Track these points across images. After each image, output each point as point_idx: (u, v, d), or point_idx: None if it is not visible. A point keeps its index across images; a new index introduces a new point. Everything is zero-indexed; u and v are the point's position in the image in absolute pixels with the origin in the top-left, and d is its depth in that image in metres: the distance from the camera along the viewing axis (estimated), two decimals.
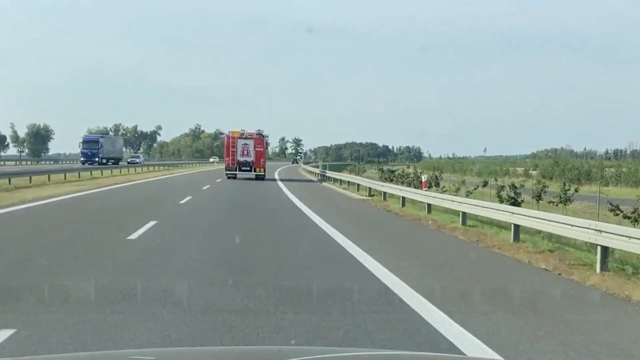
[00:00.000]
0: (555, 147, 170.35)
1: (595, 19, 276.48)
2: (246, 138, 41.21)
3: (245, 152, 40.97)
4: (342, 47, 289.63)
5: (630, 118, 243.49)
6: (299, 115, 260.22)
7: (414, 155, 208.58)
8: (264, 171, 41.59)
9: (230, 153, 40.96)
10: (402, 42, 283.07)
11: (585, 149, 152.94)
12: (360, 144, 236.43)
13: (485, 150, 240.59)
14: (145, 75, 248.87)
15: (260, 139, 41.43)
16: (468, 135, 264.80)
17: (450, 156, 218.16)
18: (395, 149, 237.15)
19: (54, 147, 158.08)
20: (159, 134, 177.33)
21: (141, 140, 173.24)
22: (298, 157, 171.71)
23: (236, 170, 40.90)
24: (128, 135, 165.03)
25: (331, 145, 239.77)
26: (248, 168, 40.86)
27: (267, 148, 44.08)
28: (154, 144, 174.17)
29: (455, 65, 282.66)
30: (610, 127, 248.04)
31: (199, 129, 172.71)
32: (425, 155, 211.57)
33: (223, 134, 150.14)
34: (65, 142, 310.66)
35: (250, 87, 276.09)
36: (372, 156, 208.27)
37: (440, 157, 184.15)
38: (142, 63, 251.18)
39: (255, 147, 41.01)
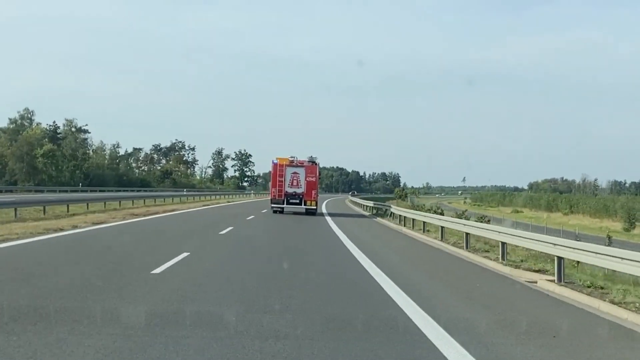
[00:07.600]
0: (555, 177, 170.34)
1: None
2: (296, 166, 35.57)
3: (295, 183, 35.30)
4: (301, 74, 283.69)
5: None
6: (242, 132, 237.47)
7: (392, 183, 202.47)
8: (316, 204, 35.93)
9: (277, 183, 35.19)
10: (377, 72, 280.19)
11: (584, 180, 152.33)
12: (324, 168, 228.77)
13: (464, 179, 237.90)
14: None
15: (312, 167, 35.73)
16: (442, 164, 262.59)
17: (424, 185, 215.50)
18: (367, 176, 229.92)
19: None
20: None
21: None
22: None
23: (284, 203, 35.12)
24: None
25: None
26: (297, 201, 35.20)
27: (320, 178, 38.25)
28: None
29: (426, 95, 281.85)
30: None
31: (29, 116, 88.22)
32: (401, 184, 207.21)
33: (86, 128, 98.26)
34: None
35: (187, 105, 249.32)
36: (344, 183, 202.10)
37: (423, 187, 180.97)
38: None
39: (306, 176, 35.40)
